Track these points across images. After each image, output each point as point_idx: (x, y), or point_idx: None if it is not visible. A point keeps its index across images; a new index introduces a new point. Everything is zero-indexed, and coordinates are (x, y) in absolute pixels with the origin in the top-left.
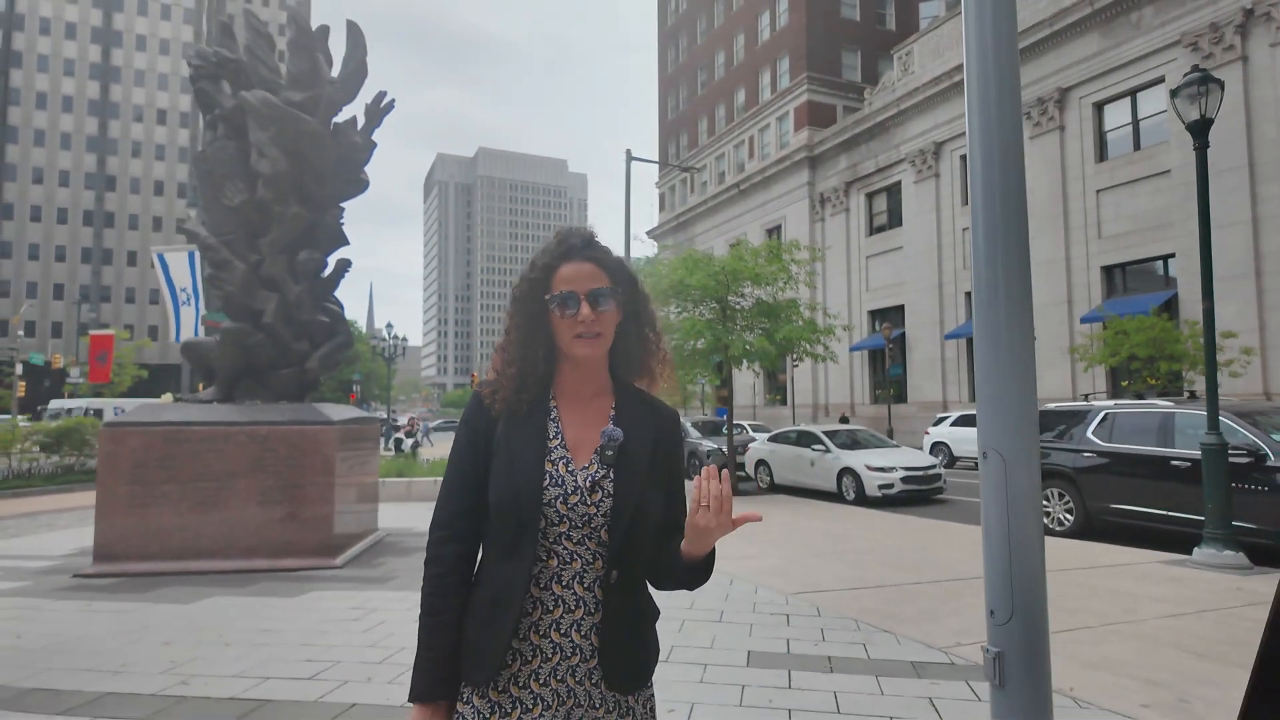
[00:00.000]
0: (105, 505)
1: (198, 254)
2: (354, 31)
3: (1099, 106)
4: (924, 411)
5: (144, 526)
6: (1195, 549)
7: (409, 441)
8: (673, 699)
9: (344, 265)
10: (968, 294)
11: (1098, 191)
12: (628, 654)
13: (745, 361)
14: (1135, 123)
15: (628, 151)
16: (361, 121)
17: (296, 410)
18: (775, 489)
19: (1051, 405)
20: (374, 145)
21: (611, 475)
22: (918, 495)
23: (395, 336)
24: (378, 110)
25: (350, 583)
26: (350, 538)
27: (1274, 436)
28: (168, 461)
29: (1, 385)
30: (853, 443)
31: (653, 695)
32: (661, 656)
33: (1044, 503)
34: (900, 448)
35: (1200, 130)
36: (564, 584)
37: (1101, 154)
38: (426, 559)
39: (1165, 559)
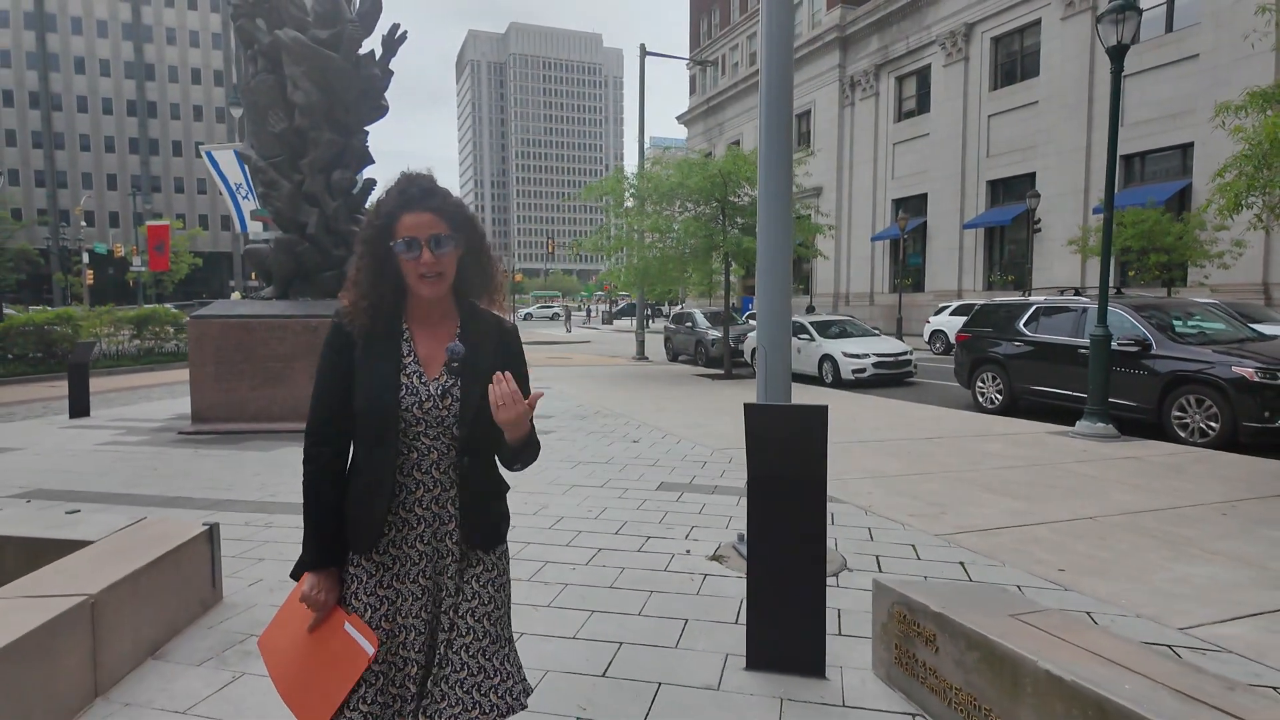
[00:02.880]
0: (197, 380)
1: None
2: None
3: None
4: (940, 300)
5: (227, 397)
6: (1077, 421)
7: None
8: (596, 506)
9: (370, 183)
10: (989, 183)
11: (1125, 76)
12: (482, 520)
13: (740, 259)
14: (1170, 2)
15: (641, 46)
16: (379, 53)
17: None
18: None
19: (999, 299)
20: (391, 74)
21: (458, 383)
22: (889, 378)
23: None
24: (393, 42)
25: None
26: None
27: (1178, 327)
28: (242, 346)
29: (72, 273)
30: (840, 333)
31: (506, 550)
32: (598, 484)
33: (980, 385)
34: (880, 337)
35: (1117, 55)
36: (424, 470)
37: (1135, 37)
38: (304, 459)
39: (1053, 429)
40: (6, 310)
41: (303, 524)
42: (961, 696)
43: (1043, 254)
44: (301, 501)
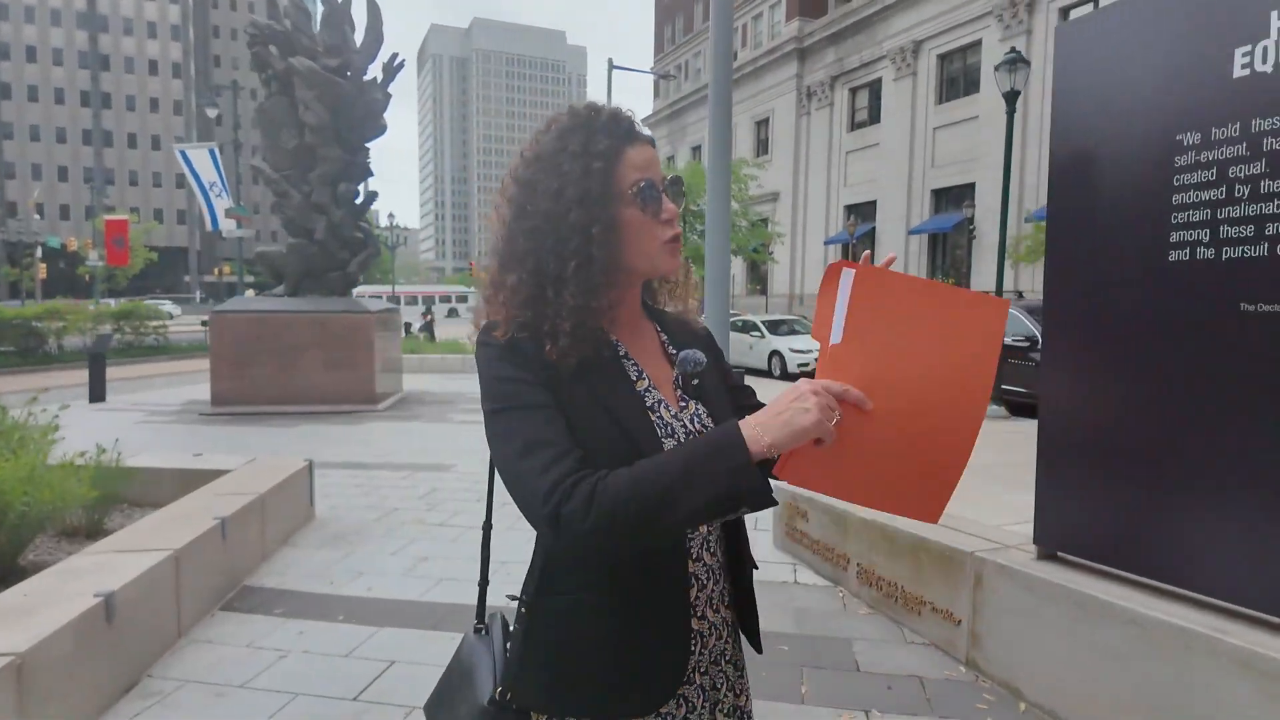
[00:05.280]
0: (217, 368)
1: (218, 149)
2: (373, 7)
3: (1064, 12)
4: None
5: (245, 383)
6: None
7: (418, 324)
8: None
9: (372, 195)
10: (934, 191)
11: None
12: (755, 615)
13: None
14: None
15: (609, 60)
16: (380, 78)
17: (345, 303)
18: None
19: None
20: (390, 97)
21: (702, 409)
22: None
23: (396, 226)
24: (393, 69)
25: (391, 419)
26: (385, 394)
27: None
28: (259, 338)
29: (21, 266)
30: (789, 331)
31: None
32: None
33: None
34: None
35: (1011, 98)
36: (694, 557)
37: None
38: (589, 499)
39: None
40: None
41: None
42: (819, 546)
43: (980, 258)
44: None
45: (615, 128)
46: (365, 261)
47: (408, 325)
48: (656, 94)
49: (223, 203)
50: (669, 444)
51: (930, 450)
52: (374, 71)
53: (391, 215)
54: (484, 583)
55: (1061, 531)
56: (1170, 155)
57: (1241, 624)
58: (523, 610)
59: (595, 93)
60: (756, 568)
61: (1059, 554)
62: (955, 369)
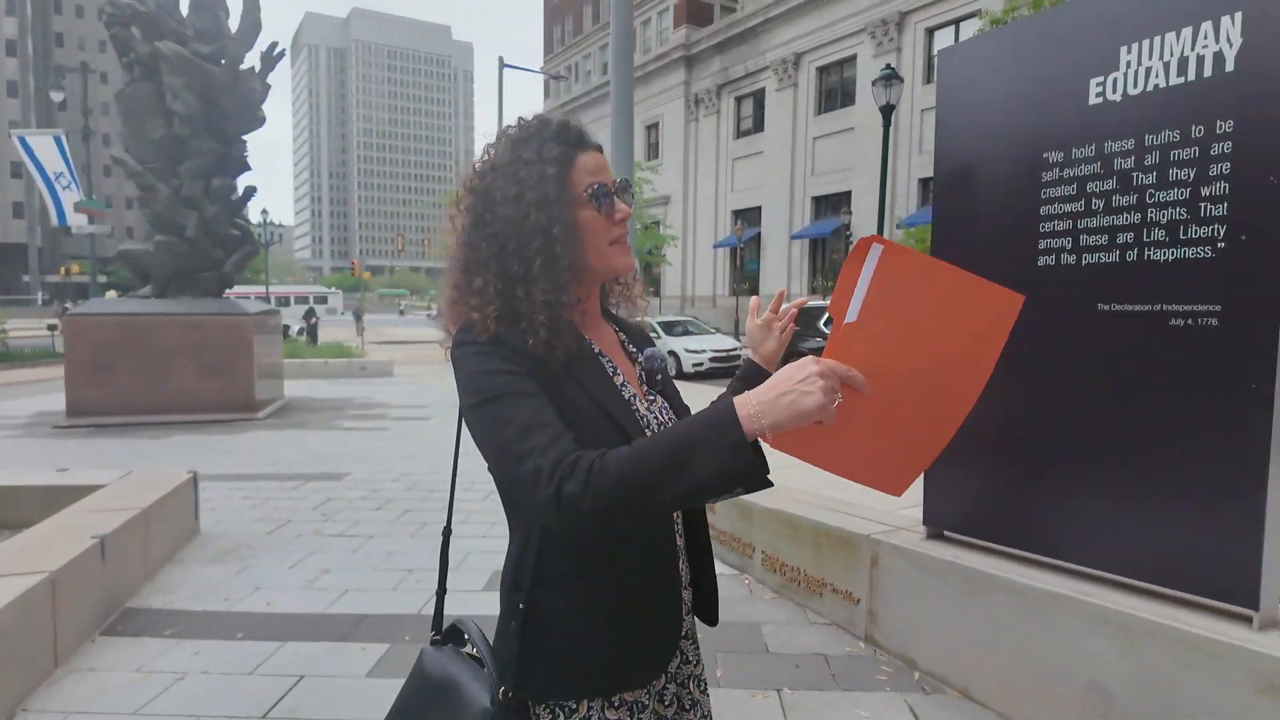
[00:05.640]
0: (73, 375)
1: (64, 137)
2: None
3: (930, 32)
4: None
5: (107, 391)
6: None
7: (297, 327)
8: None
9: (250, 190)
10: (814, 198)
11: (922, 111)
12: (714, 586)
13: None
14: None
15: (500, 59)
16: (259, 68)
17: (221, 304)
18: None
19: (811, 303)
20: (269, 87)
21: (664, 403)
22: (722, 370)
23: (270, 222)
24: (271, 59)
25: (274, 427)
26: (266, 401)
27: None
28: (122, 343)
29: None
30: (684, 331)
31: None
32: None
33: None
34: (717, 335)
35: (887, 112)
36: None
37: (929, 76)
38: (588, 476)
39: None
40: None
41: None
42: (725, 536)
43: None
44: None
45: (565, 136)
46: (243, 261)
47: (285, 328)
48: (547, 94)
49: (71, 195)
50: (647, 434)
51: (917, 431)
52: (251, 60)
53: (265, 212)
54: (442, 591)
55: (947, 513)
56: (1038, 172)
57: (1103, 586)
58: (520, 606)
59: (484, 90)
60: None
61: (946, 533)
62: (957, 358)
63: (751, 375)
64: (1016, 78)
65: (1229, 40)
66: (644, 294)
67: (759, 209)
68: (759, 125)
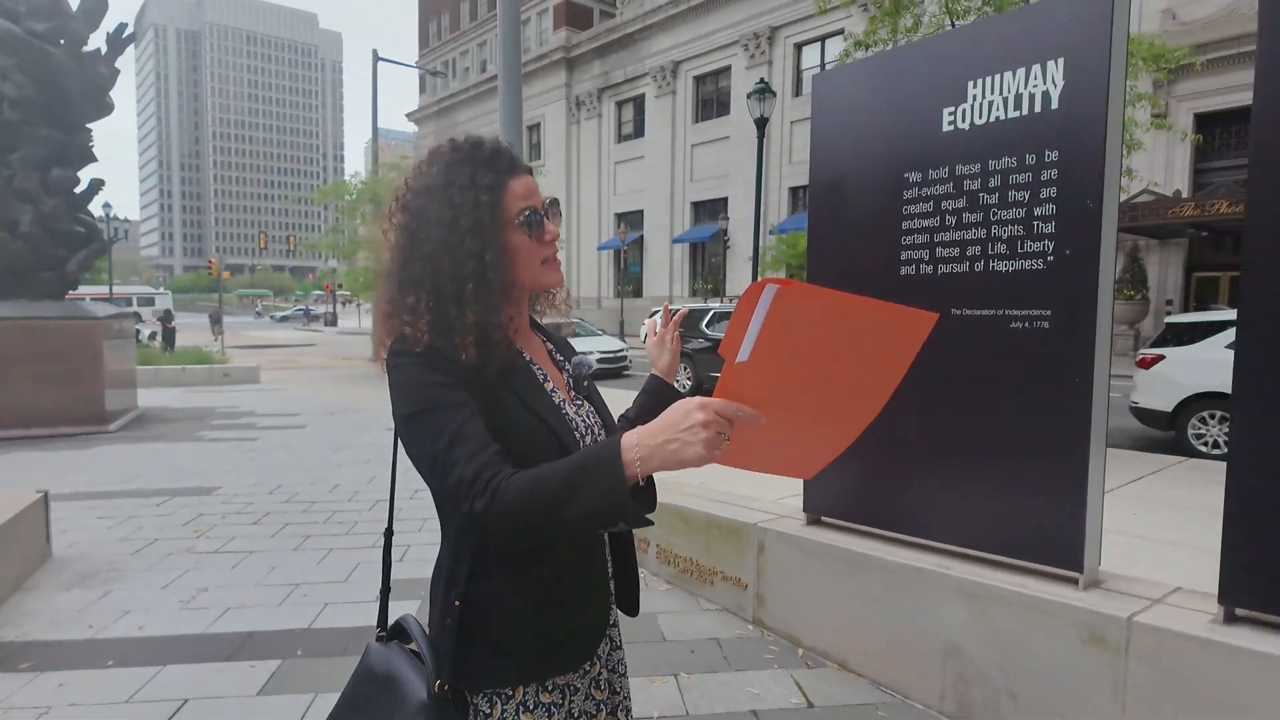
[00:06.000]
0: None
1: None
2: None
3: (798, 47)
4: (655, 304)
5: None
6: None
7: (146, 332)
8: (366, 475)
9: (97, 184)
10: (694, 203)
11: (792, 123)
12: (630, 577)
13: None
14: (822, 65)
15: (374, 52)
16: (105, 51)
17: (64, 307)
18: None
19: (692, 305)
20: (118, 72)
21: (591, 407)
22: (609, 372)
23: (113, 218)
24: (120, 41)
25: (129, 440)
26: (118, 412)
27: None
28: None
29: None
30: (571, 334)
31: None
32: (363, 460)
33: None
34: (603, 337)
35: (760, 124)
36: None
37: (798, 90)
38: (493, 498)
39: None
40: None
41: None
42: None
43: (734, 266)
44: None
45: (498, 161)
46: (89, 259)
47: (136, 332)
48: (423, 89)
49: None
50: (575, 438)
51: (823, 434)
52: (98, 42)
53: (107, 206)
54: (386, 590)
55: (824, 500)
56: (900, 190)
57: (962, 560)
58: (456, 603)
59: (355, 82)
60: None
61: (823, 519)
62: (865, 376)
63: (654, 388)
64: (881, 103)
65: (1054, 81)
66: (568, 300)
67: (641, 212)
68: (640, 130)
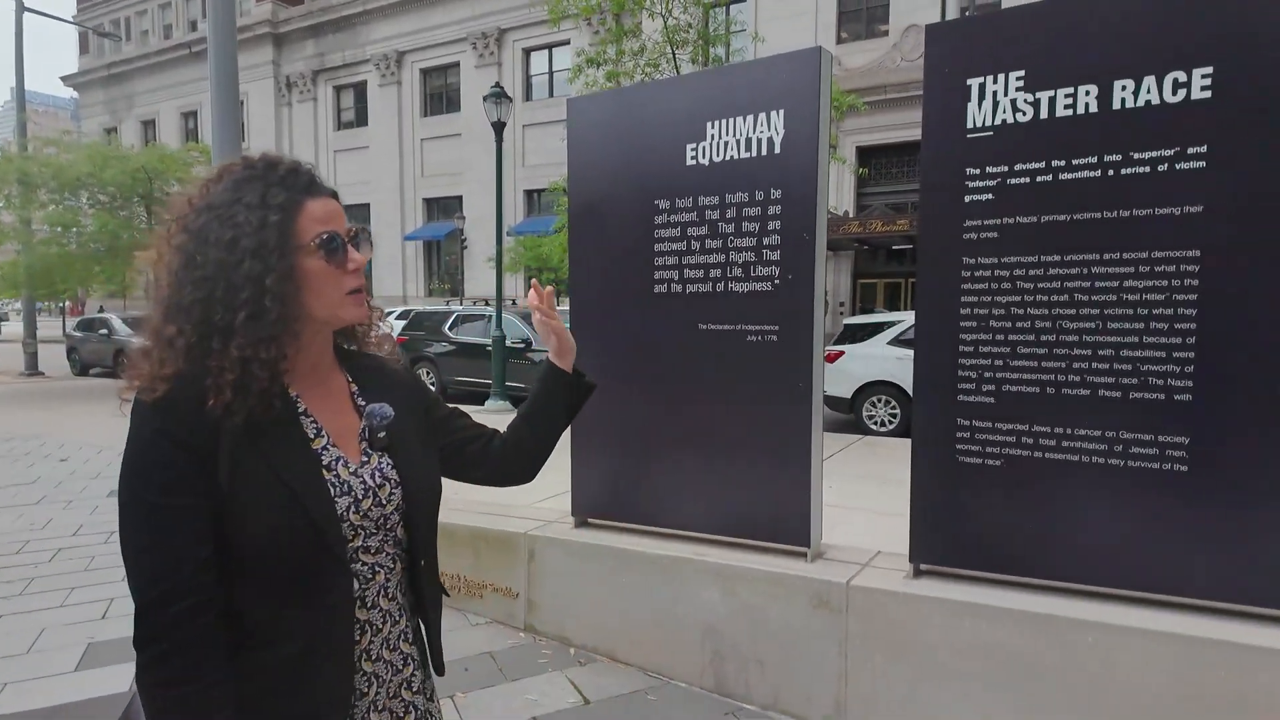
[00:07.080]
0: None
1: None
2: None
3: (527, 53)
4: (388, 304)
5: None
6: (486, 401)
7: None
8: (40, 519)
9: None
10: (426, 200)
11: (524, 127)
12: (440, 648)
13: None
14: (550, 73)
15: (18, 1)
16: None
17: None
18: None
19: (428, 308)
20: None
21: (390, 461)
22: None
23: None
24: None
25: None
26: None
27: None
28: None
29: None
30: None
31: None
32: (33, 501)
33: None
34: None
35: (499, 129)
36: (369, 605)
37: (528, 94)
38: (159, 652)
39: (472, 408)
40: None
41: None
42: None
43: (472, 267)
44: None
45: (294, 181)
46: None
47: None
48: (84, 49)
49: None
50: (343, 502)
51: None
52: None
53: None
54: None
55: (589, 502)
56: (652, 215)
57: (716, 547)
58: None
59: None
60: (448, 595)
61: (590, 520)
62: None
63: (547, 376)
64: (633, 133)
65: (777, 129)
66: (391, 343)
67: (367, 206)
68: (363, 119)
